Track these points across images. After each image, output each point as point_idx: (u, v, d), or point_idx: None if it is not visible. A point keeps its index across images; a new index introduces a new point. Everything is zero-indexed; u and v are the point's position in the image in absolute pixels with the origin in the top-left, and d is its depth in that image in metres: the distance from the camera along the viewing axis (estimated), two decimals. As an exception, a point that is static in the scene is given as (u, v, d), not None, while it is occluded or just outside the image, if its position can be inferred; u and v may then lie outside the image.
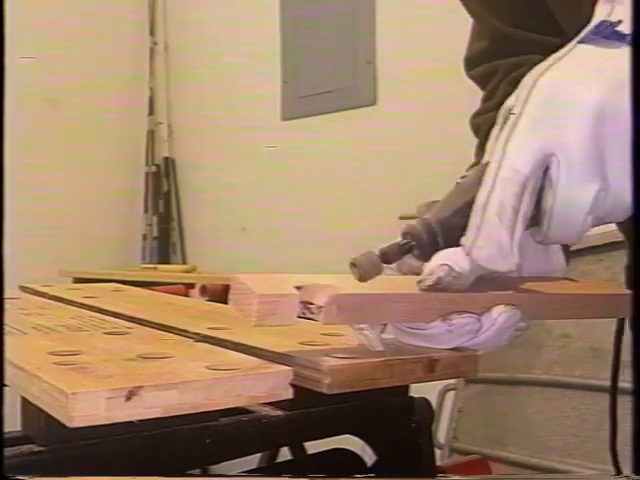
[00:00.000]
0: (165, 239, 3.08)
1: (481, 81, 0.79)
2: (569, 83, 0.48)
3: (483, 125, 0.72)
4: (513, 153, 0.48)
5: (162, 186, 3.09)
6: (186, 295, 2.09)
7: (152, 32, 3.16)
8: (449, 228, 0.50)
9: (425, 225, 0.51)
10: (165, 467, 0.47)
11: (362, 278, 0.49)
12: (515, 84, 0.52)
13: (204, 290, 2.07)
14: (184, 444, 0.47)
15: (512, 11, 0.71)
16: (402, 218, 2.06)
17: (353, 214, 2.24)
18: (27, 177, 2.48)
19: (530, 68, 0.53)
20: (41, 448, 0.43)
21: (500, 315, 0.51)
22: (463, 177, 0.52)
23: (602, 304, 0.60)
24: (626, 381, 0.41)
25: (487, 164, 0.49)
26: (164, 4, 3.15)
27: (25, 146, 2.45)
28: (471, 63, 0.79)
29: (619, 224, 0.77)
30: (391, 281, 0.53)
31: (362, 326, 0.52)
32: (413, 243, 0.51)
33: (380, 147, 2.24)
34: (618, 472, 0.84)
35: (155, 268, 2.74)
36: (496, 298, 0.53)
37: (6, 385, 0.45)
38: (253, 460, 0.71)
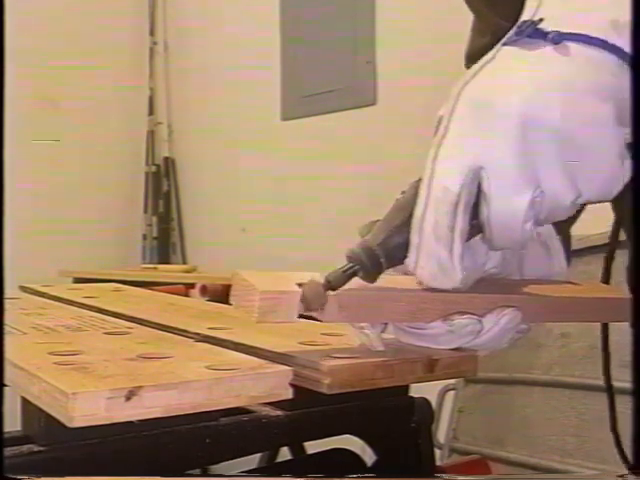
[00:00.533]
0: (165, 239, 3.08)
1: None
2: (491, 92, 0.48)
3: None
4: (441, 170, 0.48)
5: (162, 186, 3.09)
6: (186, 295, 2.09)
7: (152, 32, 3.16)
8: (390, 248, 0.51)
9: (365, 248, 0.51)
10: (165, 467, 0.47)
11: (307, 309, 0.49)
12: None
13: (204, 290, 2.07)
14: (184, 444, 0.47)
15: (515, 8, 0.71)
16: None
17: (353, 214, 2.24)
18: (27, 177, 2.48)
19: None
20: (41, 448, 0.43)
21: (502, 317, 0.52)
22: (403, 192, 0.53)
23: (603, 308, 0.60)
24: (626, 381, 0.41)
25: (420, 180, 0.50)
26: (164, 4, 3.15)
27: (25, 146, 2.45)
28: (472, 59, 0.79)
29: (617, 219, 0.76)
30: (392, 281, 0.53)
31: (362, 325, 0.52)
32: (356, 267, 0.51)
33: (380, 147, 2.24)
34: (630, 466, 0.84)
35: (155, 268, 2.74)
36: (497, 300, 0.53)
37: (6, 385, 0.45)
38: (253, 460, 0.71)
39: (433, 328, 0.52)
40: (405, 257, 0.50)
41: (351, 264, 0.51)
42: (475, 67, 0.50)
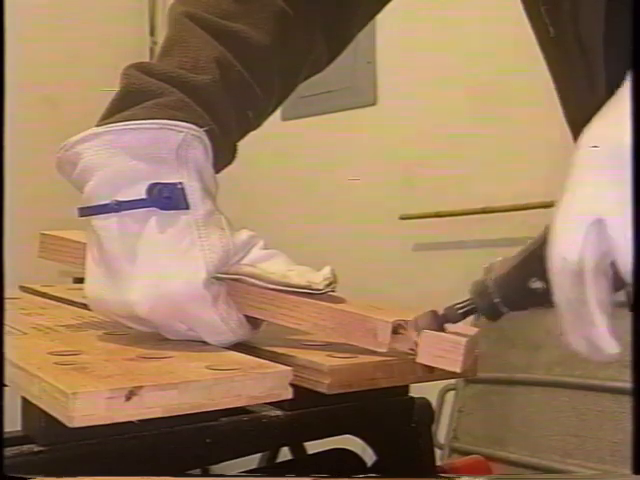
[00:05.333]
0: (165, 239, 3.08)
1: None
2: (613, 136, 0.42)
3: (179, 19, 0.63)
4: (558, 236, 0.42)
5: (162, 186, 3.09)
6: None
7: (152, 32, 3.15)
8: (506, 289, 0.47)
9: (480, 286, 0.48)
10: (165, 467, 0.47)
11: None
12: None
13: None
14: (184, 444, 0.47)
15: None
16: (402, 218, 2.06)
17: (353, 214, 2.24)
18: (27, 177, 2.48)
19: None
20: (41, 448, 0.43)
21: None
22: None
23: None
24: (626, 381, 0.41)
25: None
26: (164, 4, 3.15)
27: (25, 146, 2.45)
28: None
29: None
30: None
31: None
32: (472, 306, 0.49)
33: (380, 147, 2.24)
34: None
35: (155, 268, 2.73)
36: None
37: (6, 385, 0.45)
38: (253, 460, 0.71)
39: None
40: (528, 303, 0.47)
41: (468, 301, 0.49)
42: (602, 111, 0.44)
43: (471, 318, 0.50)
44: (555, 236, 0.42)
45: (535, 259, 0.45)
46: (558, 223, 0.43)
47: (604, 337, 0.42)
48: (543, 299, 0.45)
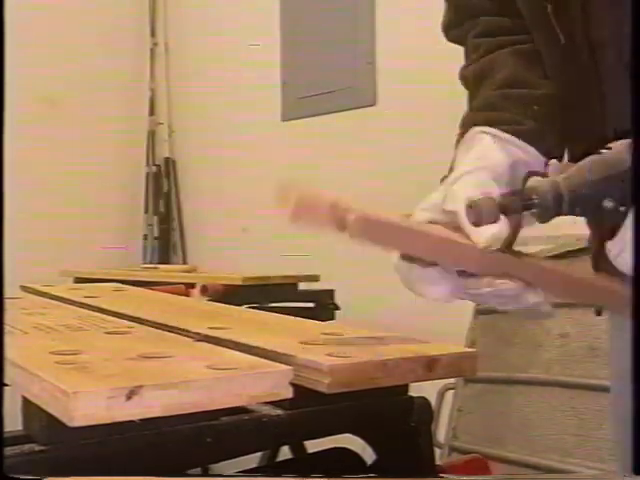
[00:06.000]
0: (166, 239, 3.08)
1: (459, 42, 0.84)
2: None
3: (470, 77, 0.76)
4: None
5: (163, 186, 3.09)
6: (187, 295, 2.09)
7: (153, 33, 3.15)
8: (580, 197, 0.50)
9: (553, 187, 0.50)
10: (165, 467, 0.47)
11: (476, 223, 0.51)
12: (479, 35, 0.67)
13: (204, 290, 2.06)
14: (185, 443, 0.47)
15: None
16: (402, 218, 2.06)
17: (353, 214, 2.24)
18: (28, 177, 2.48)
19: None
20: (42, 447, 0.43)
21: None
22: (608, 148, 0.52)
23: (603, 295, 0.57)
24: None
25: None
26: (164, 5, 3.15)
27: (26, 146, 2.45)
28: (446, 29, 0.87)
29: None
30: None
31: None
32: (536, 201, 0.50)
33: (380, 147, 2.24)
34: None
35: (156, 268, 2.73)
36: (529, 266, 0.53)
37: (7, 385, 0.45)
38: (253, 459, 0.71)
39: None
40: (590, 213, 0.51)
41: (533, 197, 0.50)
42: None
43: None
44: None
45: (615, 182, 0.48)
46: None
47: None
48: (613, 216, 0.49)
